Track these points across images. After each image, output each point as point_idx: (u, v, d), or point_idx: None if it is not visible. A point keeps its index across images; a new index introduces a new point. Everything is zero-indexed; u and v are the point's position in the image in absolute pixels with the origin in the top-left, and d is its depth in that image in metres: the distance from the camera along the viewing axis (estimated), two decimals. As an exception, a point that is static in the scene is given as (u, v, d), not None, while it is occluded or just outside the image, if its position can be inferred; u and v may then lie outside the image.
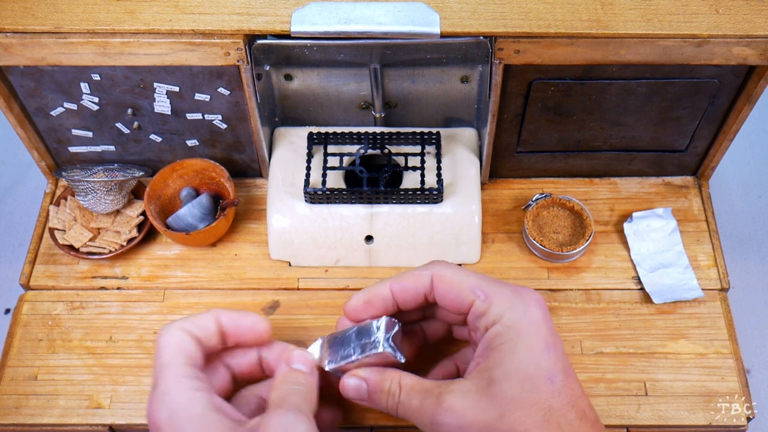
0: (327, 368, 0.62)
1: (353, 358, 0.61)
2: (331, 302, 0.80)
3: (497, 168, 0.87)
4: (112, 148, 0.85)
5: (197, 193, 0.85)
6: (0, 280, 0.97)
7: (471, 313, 0.59)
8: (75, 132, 0.82)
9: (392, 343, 0.60)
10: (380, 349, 0.60)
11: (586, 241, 0.81)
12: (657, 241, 0.83)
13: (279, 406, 0.56)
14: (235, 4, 0.71)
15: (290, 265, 0.82)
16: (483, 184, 0.87)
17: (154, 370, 0.58)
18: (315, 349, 0.63)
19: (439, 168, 0.80)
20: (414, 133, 0.83)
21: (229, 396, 0.64)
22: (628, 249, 0.83)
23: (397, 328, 0.61)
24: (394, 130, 0.84)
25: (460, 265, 0.82)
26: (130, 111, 0.79)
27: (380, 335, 0.60)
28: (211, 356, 0.62)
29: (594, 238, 0.84)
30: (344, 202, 0.81)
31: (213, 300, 0.80)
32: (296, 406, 0.56)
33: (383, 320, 0.61)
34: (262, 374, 0.65)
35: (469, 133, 0.86)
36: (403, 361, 0.60)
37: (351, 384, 0.61)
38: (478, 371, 0.56)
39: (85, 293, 0.81)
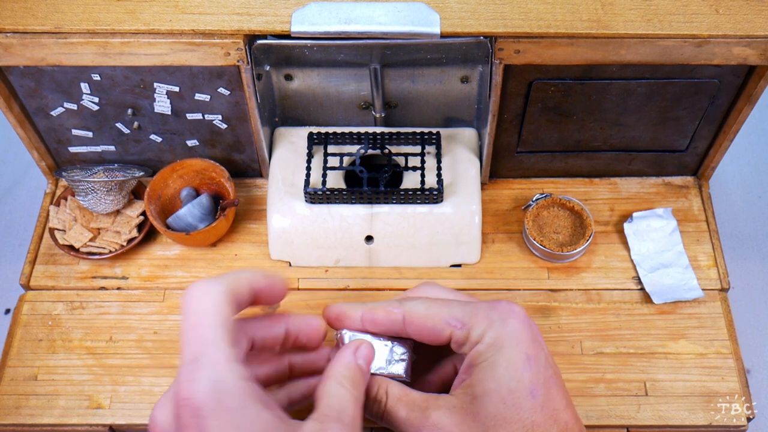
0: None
1: (383, 371, 0.60)
2: (331, 302, 0.79)
3: (497, 168, 0.87)
4: (112, 148, 0.85)
5: (197, 193, 0.85)
6: (0, 280, 0.97)
7: (453, 343, 0.58)
8: (75, 132, 0.82)
9: (407, 369, 0.60)
10: (403, 375, 0.59)
11: (586, 242, 0.81)
12: (657, 241, 0.83)
13: (337, 420, 0.52)
14: (235, 4, 0.71)
15: (290, 265, 0.82)
16: (483, 184, 0.87)
17: (186, 337, 0.49)
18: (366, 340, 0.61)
19: (439, 168, 0.80)
20: (414, 133, 0.83)
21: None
22: (628, 249, 0.83)
23: (410, 356, 0.61)
24: (394, 130, 0.84)
25: (459, 265, 0.82)
26: (130, 111, 0.79)
27: (405, 360, 0.60)
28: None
29: (594, 238, 0.84)
30: (344, 202, 0.80)
31: (213, 300, 0.80)
32: (353, 418, 0.53)
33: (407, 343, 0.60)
34: (282, 347, 0.60)
35: (469, 133, 0.86)
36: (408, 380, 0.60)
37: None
38: (463, 388, 0.56)
39: (85, 293, 0.81)
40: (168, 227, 0.82)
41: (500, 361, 0.55)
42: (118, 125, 0.81)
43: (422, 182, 0.80)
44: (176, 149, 0.85)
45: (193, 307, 0.50)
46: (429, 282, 0.64)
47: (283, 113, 0.86)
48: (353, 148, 0.84)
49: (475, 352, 0.56)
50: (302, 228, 0.81)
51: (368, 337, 0.60)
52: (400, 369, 0.59)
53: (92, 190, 0.81)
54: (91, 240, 0.82)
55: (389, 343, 0.60)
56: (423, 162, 0.81)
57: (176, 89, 0.76)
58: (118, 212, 0.84)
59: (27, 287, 0.82)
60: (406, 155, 0.82)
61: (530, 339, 0.56)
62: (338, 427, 0.51)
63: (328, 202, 0.80)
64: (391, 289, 0.80)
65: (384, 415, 0.58)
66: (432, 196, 0.79)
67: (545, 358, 0.56)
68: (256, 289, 0.55)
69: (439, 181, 0.80)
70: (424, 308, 0.59)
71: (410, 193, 0.79)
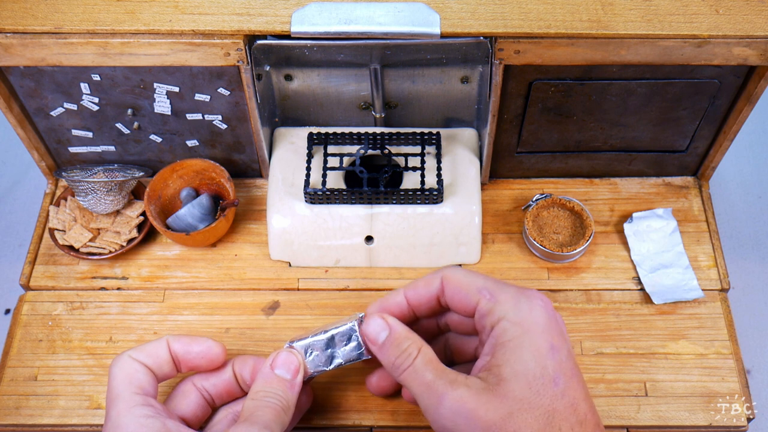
0: (309, 374, 0.63)
1: (335, 363, 0.62)
2: (331, 302, 0.80)
3: (497, 168, 0.87)
4: (112, 148, 0.85)
5: (197, 194, 0.85)
6: (0, 280, 0.97)
7: (477, 312, 0.60)
8: (75, 132, 0.82)
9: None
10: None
11: (586, 242, 0.81)
12: (657, 242, 0.83)
13: (245, 420, 0.56)
14: (235, 4, 0.71)
15: (290, 265, 0.82)
16: (483, 185, 0.87)
17: (106, 402, 0.59)
18: (301, 347, 0.63)
19: (439, 168, 0.80)
20: (414, 133, 0.83)
21: (205, 418, 0.64)
22: (628, 249, 0.83)
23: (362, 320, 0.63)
24: (394, 130, 0.84)
25: (460, 265, 0.82)
26: (130, 111, 0.79)
27: (358, 342, 0.62)
28: (182, 380, 0.63)
29: (594, 238, 0.84)
30: (344, 203, 0.80)
31: (213, 300, 0.80)
32: (265, 423, 0.56)
33: (356, 321, 0.62)
34: (241, 392, 0.65)
35: (469, 134, 0.86)
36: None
37: (375, 324, 0.61)
38: (487, 368, 0.56)
39: (85, 293, 0.81)
40: (168, 227, 0.82)
41: (526, 345, 0.56)
42: (118, 125, 0.81)
43: (422, 182, 0.80)
44: (176, 149, 0.85)
45: (110, 374, 0.60)
46: (450, 266, 0.67)
47: (283, 113, 0.86)
48: (353, 149, 0.84)
49: (499, 329, 0.57)
50: (302, 228, 0.81)
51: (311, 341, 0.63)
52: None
53: (92, 190, 0.81)
54: (91, 240, 0.82)
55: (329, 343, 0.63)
56: (423, 162, 0.81)
57: (176, 89, 0.76)
58: (118, 212, 0.84)
59: (27, 287, 0.82)
60: (406, 155, 0.82)
61: (555, 330, 0.57)
62: (245, 427, 0.55)
63: (328, 203, 0.80)
64: (391, 290, 0.80)
65: (407, 372, 0.58)
66: (432, 196, 0.79)
67: (567, 351, 0.57)
68: (176, 352, 0.62)
69: (439, 181, 0.80)
70: (462, 274, 0.62)
71: (410, 193, 0.79)
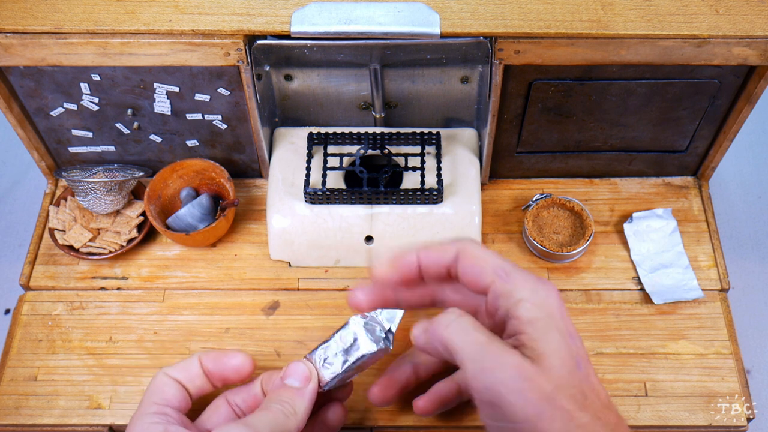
0: (324, 388, 0.62)
1: (343, 369, 0.61)
2: (331, 302, 0.79)
3: (497, 168, 0.87)
4: (112, 148, 0.85)
5: (197, 194, 0.85)
6: (0, 280, 0.97)
7: (491, 292, 0.58)
8: (75, 132, 0.82)
9: (383, 336, 0.61)
10: (373, 348, 0.61)
11: (586, 242, 0.81)
12: (657, 242, 0.83)
13: (237, 421, 0.57)
14: (235, 4, 0.71)
15: (290, 265, 0.82)
16: (483, 185, 0.87)
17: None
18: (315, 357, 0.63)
19: (439, 168, 0.80)
20: (414, 133, 0.83)
21: None
22: (628, 249, 0.83)
23: (367, 319, 0.62)
24: (394, 130, 0.84)
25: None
26: (130, 111, 0.79)
27: (362, 339, 0.61)
28: (214, 395, 0.65)
29: (594, 238, 0.84)
30: (344, 203, 0.80)
31: (213, 300, 0.80)
32: (252, 424, 0.56)
33: (358, 323, 0.62)
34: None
35: (469, 134, 0.86)
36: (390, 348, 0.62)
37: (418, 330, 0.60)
38: (522, 344, 0.55)
39: (85, 293, 0.81)
40: (168, 227, 0.82)
41: (552, 327, 0.55)
42: (118, 125, 0.81)
43: (422, 182, 0.80)
44: (176, 149, 0.85)
45: (147, 388, 0.63)
46: (466, 238, 0.66)
47: (283, 113, 0.86)
48: (353, 149, 0.84)
49: (523, 308, 0.56)
50: (302, 228, 0.81)
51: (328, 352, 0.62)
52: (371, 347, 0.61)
53: (92, 190, 0.81)
54: (91, 240, 0.82)
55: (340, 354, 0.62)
56: (423, 162, 0.81)
57: (176, 89, 0.76)
58: (118, 212, 0.84)
59: (27, 287, 0.82)
60: (406, 155, 0.82)
61: (568, 318, 0.57)
62: (234, 425, 0.56)
63: (328, 203, 0.80)
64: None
65: (452, 327, 0.57)
66: (432, 196, 0.79)
67: (581, 338, 0.57)
68: (208, 368, 0.64)
69: (439, 181, 0.80)
70: (478, 249, 0.60)
71: (410, 193, 0.79)
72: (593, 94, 0.76)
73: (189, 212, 0.82)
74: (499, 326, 0.58)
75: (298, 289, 0.81)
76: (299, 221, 0.81)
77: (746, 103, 0.76)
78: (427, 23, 0.69)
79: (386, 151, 0.82)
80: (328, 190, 0.79)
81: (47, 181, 0.89)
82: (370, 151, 0.82)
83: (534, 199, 0.85)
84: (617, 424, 0.54)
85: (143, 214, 0.84)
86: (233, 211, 0.83)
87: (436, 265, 0.62)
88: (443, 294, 0.66)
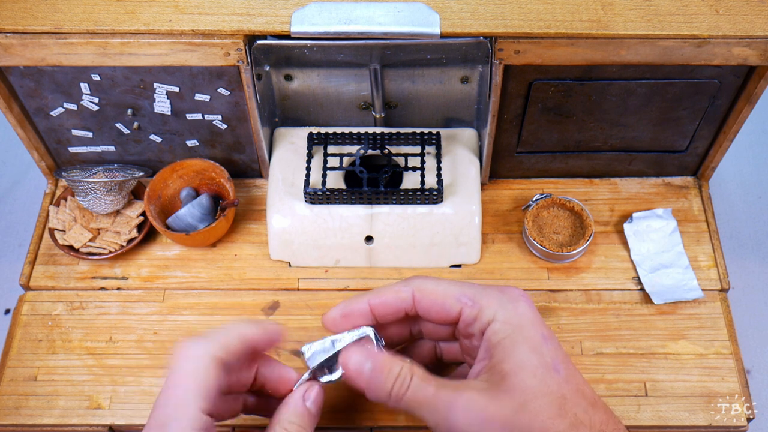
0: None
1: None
2: (331, 303, 0.79)
3: (497, 168, 0.87)
4: (112, 148, 0.85)
5: (197, 194, 0.85)
6: (0, 280, 0.97)
7: (462, 321, 0.59)
8: (75, 132, 0.82)
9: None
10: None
11: (586, 242, 0.81)
12: (657, 242, 0.83)
13: None
14: (235, 4, 0.71)
15: (290, 265, 0.82)
16: (483, 185, 0.87)
17: (163, 395, 0.54)
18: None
19: (439, 168, 0.80)
20: (414, 133, 0.83)
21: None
22: (628, 249, 0.83)
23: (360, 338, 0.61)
24: (394, 130, 0.84)
25: (459, 266, 0.82)
26: (130, 111, 0.79)
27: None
28: None
29: (594, 238, 0.84)
30: (344, 203, 0.80)
31: (213, 300, 0.80)
32: None
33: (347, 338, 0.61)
34: (256, 387, 0.63)
35: (469, 134, 0.86)
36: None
37: (354, 360, 0.58)
38: (488, 370, 0.56)
39: (85, 293, 0.81)
40: (168, 227, 0.82)
41: (520, 339, 0.55)
42: (118, 125, 0.81)
43: (422, 182, 0.80)
44: (176, 149, 0.85)
45: (178, 364, 0.54)
46: (418, 275, 0.64)
47: (283, 113, 0.86)
48: (353, 149, 0.84)
49: (491, 331, 0.56)
50: (302, 228, 0.81)
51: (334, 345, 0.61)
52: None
53: (92, 190, 0.81)
54: (90, 240, 0.82)
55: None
56: (423, 162, 0.81)
57: (176, 89, 0.76)
58: (117, 212, 0.84)
59: (27, 287, 0.82)
60: (406, 155, 0.82)
61: (541, 321, 0.57)
62: None
63: (328, 203, 0.80)
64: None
65: (406, 395, 0.56)
66: (432, 196, 0.79)
67: (556, 339, 0.57)
68: (249, 342, 0.58)
69: (439, 181, 0.80)
70: (433, 284, 0.60)
71: (410, 193, 0.79)
72: (593, 94, 0.76)
73: (189, 212, 0.82)
74: (477, 348, 0.59)
75: (298, 289, 0.81)
76: (299, 221, 0.81)
77: (746, 103, 0.76)
78: (427, 23, 0.69)
79: (386, 151, 0.82)
80: (328, 190, 0.79)
81: (47, 181, 0.89)
82: (370, 151, 0.82)
83: (534, 199, 0.85)
84: (605, 422, 0.54)
85: (143, 214, 0.84)
86: (233, 211, 0.83)
87: (392, 310, 0.61)
88: (417, 325, 0.65)
